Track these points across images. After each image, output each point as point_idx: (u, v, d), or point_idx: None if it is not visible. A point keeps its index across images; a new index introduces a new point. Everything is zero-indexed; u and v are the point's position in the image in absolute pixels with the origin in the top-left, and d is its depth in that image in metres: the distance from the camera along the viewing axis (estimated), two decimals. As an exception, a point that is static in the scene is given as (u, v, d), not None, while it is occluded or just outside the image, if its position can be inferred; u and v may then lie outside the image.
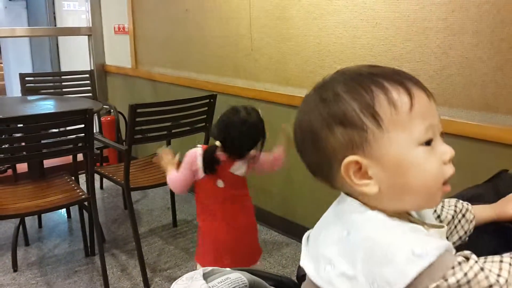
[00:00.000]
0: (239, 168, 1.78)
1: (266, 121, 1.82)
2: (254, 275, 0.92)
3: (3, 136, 2.30)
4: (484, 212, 0.93)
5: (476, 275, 0.60)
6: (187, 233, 2.87)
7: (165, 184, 2.59)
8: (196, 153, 1.78)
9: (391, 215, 0.66)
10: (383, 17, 2.06)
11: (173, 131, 2.48)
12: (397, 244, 0.61)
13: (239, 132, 1.70)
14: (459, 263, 0.61)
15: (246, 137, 1.72)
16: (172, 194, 2.94)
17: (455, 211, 0.90)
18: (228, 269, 0.90)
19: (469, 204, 0.92)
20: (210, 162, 1.75)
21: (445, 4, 1.85)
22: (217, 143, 1.75)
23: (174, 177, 1.85)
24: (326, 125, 0.67)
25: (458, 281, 0.59)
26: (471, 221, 0.90)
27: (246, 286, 0.87)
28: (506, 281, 0.61)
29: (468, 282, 0.60)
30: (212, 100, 2.47)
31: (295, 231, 2.68)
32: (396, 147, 0.65)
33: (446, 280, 0.59)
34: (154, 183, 2.49)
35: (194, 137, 2.61)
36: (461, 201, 0.92)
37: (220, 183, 1.78)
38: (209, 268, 0.88)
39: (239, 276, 0.87)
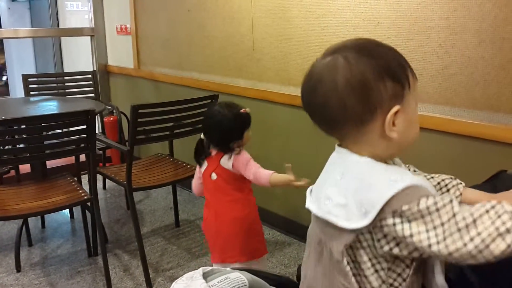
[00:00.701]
0: (226, 162, 1.84)
1: (268, 121, 1.82)
2: (255, 275, 0.92)
3: (6, 137, 2.31)
4: (474, 195, 0.99)
5: (445, 205, 0.73)
6: (189, 233, 2.87)
7: (167, 184, 2.61)
8: None
9: (379, 160, 0.83)
10: (385, 17, 2.06)
11: (175, 131, 2.48)
12: (378, 175, 0.79)
13: (209, 124, 1.85)
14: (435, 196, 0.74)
15: (214, 129, 1.84)
16: (175, 194, 2.94)
17: (438, 183, 1.00)
18: (228, 269, 0.90)
19: (462, 184, 1.01)
20: (195, 153, 1.92)
21: (446, 3, 1.84)
22: (202, 136, 1.91)
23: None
24: (380, 77, 0.79)
25: (428, 207, 0.73)
26: (456, 197, 0.96)
27: (245, 285, 0.88)
28: (474, 221, 0.71)
29: (437, 210, 0.72)
30: (214, 100, 2.47)
31: (298, 231, 2.67)
32: (413, 106, 0.84)
33: (418, 204, 0.73)
34: (157, 183, 2.50)
35: (196, 137, 2.61)
36: (453, 178, 1.01)
37: (213, 176, 1.87)
38: (209, 268, 0.88)
39: (238, 276, 0.87)
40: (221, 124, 1.81)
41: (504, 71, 1.73)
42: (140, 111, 2.22)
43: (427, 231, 0.72)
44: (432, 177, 1.01)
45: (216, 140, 1.86)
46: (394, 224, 0.74)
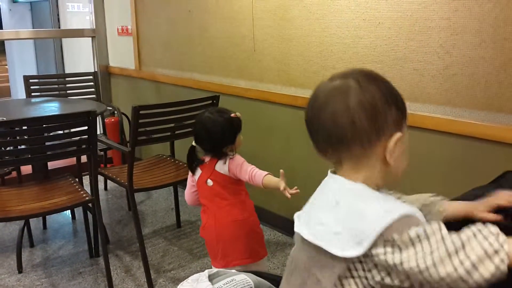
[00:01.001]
0: (221, 167, 1.84)
1: (268, 121, 1.82)
2: (260, 277, 0.92)
3: (8, 138, 2.31)
4: (454, 208, 1.03)
5: (434, 232, 0.75)
6: (191, 234, 2.87)
7: (168, 185, 2.61)
8: None
9: (372, 188, 0.85)
10: (386, 17, 2.06)
11: (176, 132, 2.49)
12: (373, 204, 0.81)
13: (201, 131, 1.85)
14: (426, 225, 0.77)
15: (206, 136, 1.84)
16: (176, 195, 2.94)
17: (424, 204, 1.03)
18: (233, 270, 0.91)
19: (444, 199, 1.04)
20: (188, 161, 1.92)
21: (447, 3, 1.84)
22: (193, 143, 1.90)
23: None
24: (387, 102, 0.84)
25: (418, 235, 0.75)
26: (438, 213, 1.02)
27: (251, 287, 0.88)
28: (463, 245, 0.72)
29: (427, 237, 0.75)
30: (215, 101, 2.48)
31: (299, 231, 2.68)
32: (407, 137, 0.88)
33: (408, 233, 0.75)
34: (158, 184, 2.50)
35: (198, 138, 2.61)
36: (435, 195, 1.04)
37: (209, 182, 1.86)
38: (215, 270, 0.89)
39: (244, 278, 0.88)
40: (213, 130, 1.82)
41: (505, 71, 1.73)
42: (141, 112, 2.22)
43: (418, 258, 0.73)
44: (417, 199, 1.04)
45: (209, 146, 1.86)
46: (385, 253, 0.76)
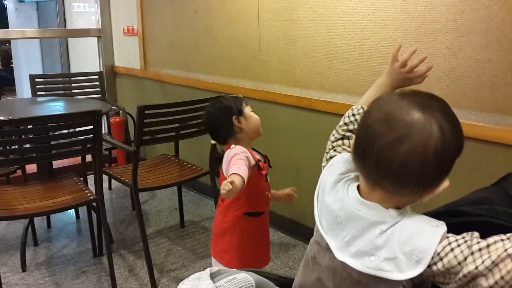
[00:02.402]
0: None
1: (273, 122, 1.82)
2: (261, 276, 0.92)
3: (13, 137, 2.32)
4: (370, 97, 1.12)
5: (472, 238, 0.79)
6: (194, 234, 2.87)
7: (173, 185, 2.61)
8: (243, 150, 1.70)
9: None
10: (392, 19, 2.06)
11: (181, 132, 2.49)
12: (422, 224, 0.82)
13: (204, 125, 1.86)
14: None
15: (207, 129, 1.82)
16: (180, 195, 2.94)
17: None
18: (234, 269, 0.90)
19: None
20: (211, 160, 1.91)
21: (454, 5, 1.84)
22: (212, 141, 1.86)
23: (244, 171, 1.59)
24: (459, 153, 0.86)
25: (456, 240, 0.79)
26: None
27: (252, 286, 0.88)
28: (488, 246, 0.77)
29: (465, 241, 0.79)
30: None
31: (303, 232, 2.67)
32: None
33: (447, 238, 0.80)
34: (162, 184, 2.50)
35: (202, 138, 2.61)
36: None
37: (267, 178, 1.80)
38: (216, 268, 0.88)
39: (245, 276, 0.87)
40: (210, 121, 1.78)
41: (511, 73, 1.72)
42: (146, 111, 2.23)
43: (465, 258, 0.77)
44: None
45: (217, 139, 1.80)
46: (436, 264, 0.79)
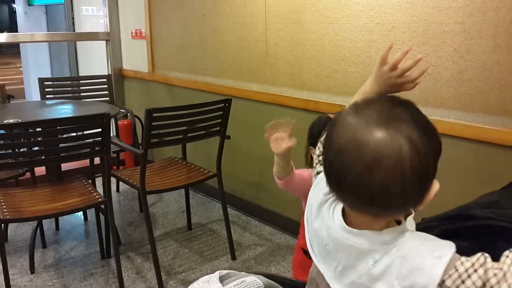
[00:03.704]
0: None
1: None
2: (270, 279, 0.92)
3: (22, 139, 2.34)
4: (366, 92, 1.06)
5: (482, 264, 0.71)
6: (201, 237, 2.88)
7: (180, 187, 2.62)
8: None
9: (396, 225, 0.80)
10: (399, 21, 2.06)
11: (188, 135, 2.50)
12: (422, 254, 0.74)
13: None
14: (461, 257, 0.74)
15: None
16: (187, 197, 2.95)
17: None
18: (243, 272, 0.91)
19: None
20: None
21: (462, 7, 1.83)
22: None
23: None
24: (437, 160, 0.76)
25: (466, 270, 0.72)
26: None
27: (261, 289, 0.88)
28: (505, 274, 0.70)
29: (475, 270, 0.71)
30: (227, 104, 2.48)
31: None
32: None
33: (456, 270, 0.72)
34: (170, 186, 2.51)
35: (209, 141, 2.62)
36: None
37: None
38: (225, 271, 0.89)
39: (254, 280, 0.88)
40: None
41: (520, 76, 1.71)
42: (154, 114, 2.24)
43: None
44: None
45: None
46: None
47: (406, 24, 2.03)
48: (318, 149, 1.02)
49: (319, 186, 0.90)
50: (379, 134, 0.71)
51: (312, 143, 1.71)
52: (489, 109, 1.81)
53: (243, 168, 3.11)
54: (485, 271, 0.71)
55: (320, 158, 0.99)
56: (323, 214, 0.85)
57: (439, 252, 0.73)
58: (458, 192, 1.91)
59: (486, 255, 0.73)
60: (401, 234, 0.77)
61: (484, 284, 0.70)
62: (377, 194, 0.71)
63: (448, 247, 0.74)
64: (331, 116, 1.63)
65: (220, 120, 2.50)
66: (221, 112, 2.49)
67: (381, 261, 0.75)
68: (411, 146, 0.70)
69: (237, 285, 0.85)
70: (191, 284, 0.88)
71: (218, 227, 2.98)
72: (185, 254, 2.66)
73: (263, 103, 2.82)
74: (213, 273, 0.90)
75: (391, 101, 0.77)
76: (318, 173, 0.95)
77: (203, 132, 2.50)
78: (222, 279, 0.87)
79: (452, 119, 1.92)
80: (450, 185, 1.97)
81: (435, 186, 0.76)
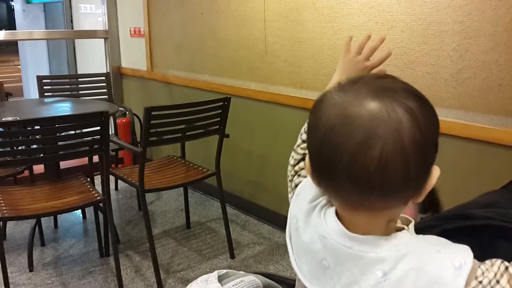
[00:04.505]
0: None
1: (279, 124, 1.81)
2: (269, 278, 0.92)
3: (20, 137, 2.34)
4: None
5: (502, 274, 0.64)
6: (200, 235, 2.88)
7: (179, 186, 2.62)
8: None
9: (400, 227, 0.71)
10: (399, 20, 2.06)
11: (187, 133, 2.50)
12: (438, 263, 0.64)
13: None
14: (481, 263, 0.65)
15: None
16: (186, 196, 2.95)
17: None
18: (242, 272, 0.91)
19: None
20: None
21: (461, 7, 1.83)
22: None
23: None
24: (438, 134, 0.68)
25: (490, 281, 0.63)
26: None
27: (260, 289, 0.88)
28: None
29: (498, 281, 0.63)
30: (226, 103, 2.48)
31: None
32: None
33: (480, 282, 0.63)
34: (168, 185, 2.51)
35: (208, 139, 2.62)
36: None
37: None
38: (224, 271, 0.89)
39: (253, 279, 0.88)
40: None
41: (519, 75, 1.71)
42: (153, 113, 2.23)
43: None
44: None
45: None
46: None
47: (405, 23, 2.03)
48: (292, 158, 0.94)
49: (300, 197, 0.80)
50: (372, 105, 0.61)
51: None
52: (488, 109, 1.82)
53: (242, 167, 3.11)
54: (508, 281, 0.63)
55: (296, 168, 0.92)
56: (313, 224, 0.72)
57: (458, 261, 0.64)
58: (458, 192, 1.91)
59: (506, 263, 0.66)
60: (410, 239, 0.68)
61: None
62: (376, 174, 0.61)
63: (467, 254, 0.65)
64: None
65: (219, 119, 2.50)
66: (220, 111, 2.48)
67: (392, 273, 0.64)
68: (411, 116, 0.61)
69: (235, 284, 0.85)
70: (190, 284, 0.88)
71: (216, 226, 2.98)
72: (183, 252, 2.66)
73: (262, 102, 2.82)
74: (211, 272, 0.90)
75: (377, 76, 0.69)
76: (296, 185, 0.86)
77: (202, 130, 2.50)
78: (220, 279, 0.87)
79: (451, 119, 1.92)
80: (449, 184, 1.98)
81: (436, 171, 0.67)
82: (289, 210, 0.82)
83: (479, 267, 0.65)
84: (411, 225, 0.72)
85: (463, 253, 0.65)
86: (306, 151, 0.83)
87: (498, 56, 1.76)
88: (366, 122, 0.61)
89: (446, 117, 1.93)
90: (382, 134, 0.60)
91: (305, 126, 0.93)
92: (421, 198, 0.68)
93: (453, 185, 1.95)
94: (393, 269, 0.64)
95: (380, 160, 0.60)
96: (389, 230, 0.69)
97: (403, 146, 0.61)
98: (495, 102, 1.79)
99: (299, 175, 0.89)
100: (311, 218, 0.74)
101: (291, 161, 0.93)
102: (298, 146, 0.95)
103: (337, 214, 0.70)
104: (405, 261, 0.64)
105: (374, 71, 1.11)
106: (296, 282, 0.82)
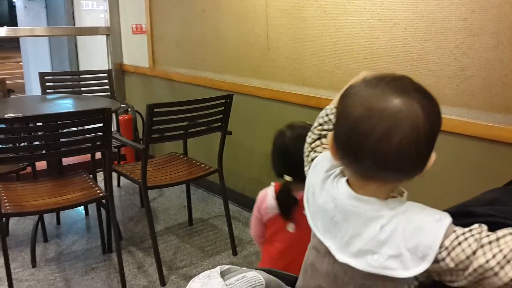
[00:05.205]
0: None
1: (281, 121, 1.81)
2: (271, 274, 0.93)
3: (23, 134, 2.34)
4: None
5: (478, 231, 0.78)
6: (202, 232, 2.89)
7: (181, 183, 2.62)
8: (266, 194, 1.56)
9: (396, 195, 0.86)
10: (402, 17, 2.05)
11: (189, 130, 2.50)
12: (423, 217, 0.80)
13: (296, 151, 1.40)
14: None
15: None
16: (188, 193, 2.96)
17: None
18: (244, 268, 0.91)
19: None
20: (286, 204, 1.50)
21: (464, 4, 1.83)
22: (287, 178, 1.51)
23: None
24: (441, 123, 0.83)
25: (464, 233, 0.78)
26: None
27: (262, 284, 0.88)
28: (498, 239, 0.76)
29: (472, 235, 0.77)
30: (228, 100, 2.48)
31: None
32: None
33: (454, 231, 0.79)
34: (171, 181, 2.51)
35: (210, 136, 2.62)
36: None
37: (290, 227, 1.52)
38: (226, 266, 0.89)
39: (255, 275, 0.88)
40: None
41: (522, 73, 1.71)
42: (155, 110, 2.24)
43: (474, 252, 0.76)
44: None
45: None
46: (443, 259, 0.78)
47: (408, 21, 2.03)
48: (309, 137, 1.09)
49: (317, 168, 0.96)
50: (396, 101, 0.77)
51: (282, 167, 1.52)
52: (491, 107, 1.81)
53: (244, 164, 3.12)
54: (480, 233, 0.77)
55: (313, 145, 1.06)
56: (327, 188, 0.89)
57: (439, 215, 0.80)
58: (460, 190, 1.92)
59: (483, 225, 0.79)
60: (404, 203, 0.84)
61: (477, 249, 0.76)
62: (393, 157, 0.77)
63: (446, 214, 0.81)
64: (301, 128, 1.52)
65: (221, 116, 2.50)
66: (223, 108, 2.48)
67: (387, 226, 0.80)
68: (424, 112, 0.77)
69: (238, 280, 0.86)
70: (192, 279, 0.88)
71: (219, 223, 2.99)
72: (186, 249, 2.67)
73: (264, 99, 2.82)
74: (214, 268, 0.90)
75: (397, 76, 0.83)
76: (312, 159, 1.01)
77: (204, 127, 2.50)
78: (223, 274, 0.87)
79: (454, 116, 1.92)
80: (452, 182, 1.98)
81: (433, 155, 0.83)
82: (306, 180, 0.99)
83: (458, 227, 0.80)
84: (405, 195, 0.88)
85: (442, 213, 0.81)
86: (322, 132, 1.07)
87: (501, 53, 1.75)
88: (391, 114, 0.77)
89: (449, 115, 1.93)
90: (403, 125, 0.76)
91: (323, 112, 1.10)
92: (420, 175, 0.83)
93: (456, 183, 1.96)
94: (388, 223, 0.81)
95: (399, 146, 0.76)
96: (388, 197, 0.85)
97: (417, 136, 0.77)
98: (498, 100, 1.79)
99: (315, 151, 1.05)
100: (325, 184, 0.91)
101: (308, 140, 1.09)
102: (315, 127, 1.10)
103: (347, 182, 0.87)
104: (397, 217, 0.81)
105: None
106: (311, 239, 0.97)
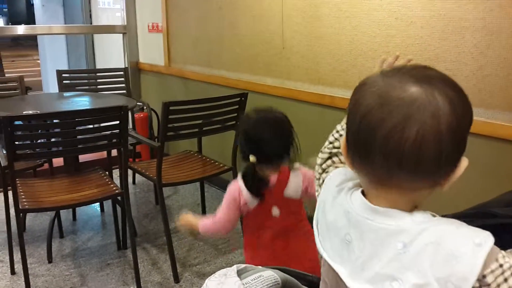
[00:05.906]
0: (295, 189, 1.54)
1: (295, 120, 1.80)
2: (287, 274, 0.93)
3: (40, 131, 2.37)
4: None
5: None
6: (216, 230, 2.89)
7: (196, 180, 2.64)
8: (237, 185, 1.57)
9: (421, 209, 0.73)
10: (418, 16, 2.03)
11: (204, 128, 2.51)
12: (459, 240, 0.65)
13: (263, 132, 1.52)
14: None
15: (274, 136, 1.53)
16: (203, 190, 2.97)
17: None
18: (261, 267, 0.91)
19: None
20: (253, 184, 1.52)
21: (482, 3, 1.81)
22: (251, 158, 1.51)
23: (212, 223, 1.61)
24: (471, 124, 0.70)
25: (511, 266, 0.64)
26: None
27: (278, 284, 0.88)
28: None
29: None
30: (243, 98, 2.49)
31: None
32: None
33: (501, 265, 0.64)
34: (185, 179, 2.53)
35: (224, 135, 2.63)
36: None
37: (275, 211, 1.55)
38: (243, 265, 0.89)
39: (271, 274, 0.88)
40: (281, 124, 1.54)
41: (542, 73, 1.69)
42: (171, 108, 2.25)
43: None
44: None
45: (281, 148, 1.53)
46: None
47: (425, 19, 2.01)
48: (319, 158, 0.99)
49: (328, 184, 0.85)
50: (413, 89, 0.66)
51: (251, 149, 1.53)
52: (509, 106, 1.79)
53: (258, 162, 3.12)
54: None
55: (324, 166, 0.96)
56: (339, 203, 0.77)
57: (478, 238, 0.65)
58: (479, 190, 1.89)
59: None
60: (431, 216, 0.70)
61: None
62: (408, 154, 0.65)
63: (488, 235, 0.66)
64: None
65: (236, 114, 2.50)
66: (237, 106, 2.49)
67: (412, 245, 0.66)
68: (449, 103, 0.65)
69: (254, 279, 0.86)
70: (209, 277, 0.88)
71: (232, 221, 2.99)
72: (200, 246, 2.68)
73: (278, 97, 2.81)
74: (227, 266, 0.90)
75: (419, 66, 0.73)
76: (324, 181, 0.90)
77: (219, 126, 2.51)
78: (239, 273, 0.87)
79: (470, 116, 1.90)
80: (470, 183, 1.95)
81: (464, 161, 0.70)
82: (317, 199, 0.87)
83: (500, 251, 0.65)
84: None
85: (484, 233, 0.66)
86: (333, 150, 0.97)
87: (520, 53, 1.73)
88: (407, 104, 0.65)
89: (466, 115, 1.91)
90: (420, 117, 0.64)
91: (334, 130, 1.03)
92: (447, 186, 0.70)
93: (474, 183, 1.93)
94: (413, 242, 0.66)
95: (415, 141, 0.64)
96: (412, 210, 0.71)
97: (439, 131, 0.64)
98: (517, 100, 1.76)
99: (326, 172, 0.94)
100: (337, 199, 0.78)
101: (318, 161, 0.98)
102: (325, 147, 1.01)
103: (364, 194, 0.74)
104: (425, 235, 0.66)
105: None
106: (321, 269, 0.84)
